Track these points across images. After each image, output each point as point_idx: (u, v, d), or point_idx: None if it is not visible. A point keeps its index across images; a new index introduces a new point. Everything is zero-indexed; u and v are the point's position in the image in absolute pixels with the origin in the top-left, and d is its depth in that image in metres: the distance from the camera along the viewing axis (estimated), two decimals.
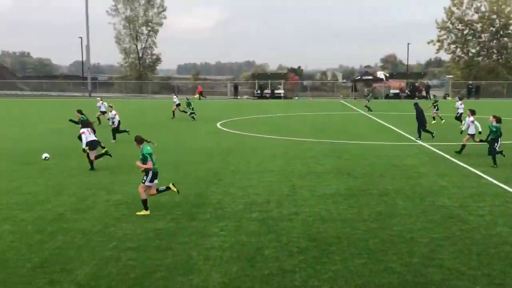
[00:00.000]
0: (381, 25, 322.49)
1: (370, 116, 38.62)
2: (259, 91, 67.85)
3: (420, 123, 24.46)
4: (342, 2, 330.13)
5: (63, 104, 54.35)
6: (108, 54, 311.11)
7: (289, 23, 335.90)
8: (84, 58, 78.09)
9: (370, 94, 51.00)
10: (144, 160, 11.57)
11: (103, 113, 30.81)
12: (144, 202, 11.60)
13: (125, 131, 24.19)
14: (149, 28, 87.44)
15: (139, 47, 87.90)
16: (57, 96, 69.44)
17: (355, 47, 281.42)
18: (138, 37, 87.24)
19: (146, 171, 11.62)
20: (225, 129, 29.59)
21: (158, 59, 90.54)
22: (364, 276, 8.25)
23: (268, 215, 11.62)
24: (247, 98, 68.89)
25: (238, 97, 68.15)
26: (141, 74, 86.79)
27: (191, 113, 34.69)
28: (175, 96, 38.13)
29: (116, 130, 24.40)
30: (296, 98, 67.79)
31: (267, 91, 68.07)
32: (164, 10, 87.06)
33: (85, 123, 17.59)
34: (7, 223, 11.03)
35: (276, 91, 67.76)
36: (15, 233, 10.38)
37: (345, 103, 56.69)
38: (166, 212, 11.82)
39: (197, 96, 66.51)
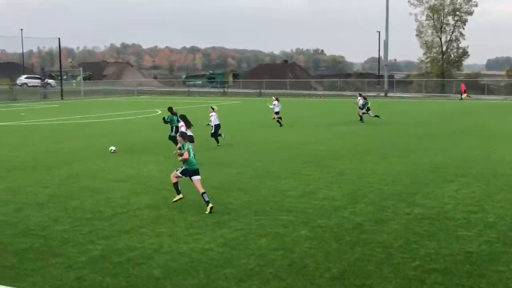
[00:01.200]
0: None
1: None
2: None
3: None
4: None
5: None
6: (405, 49, 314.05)
7: None
8: (381, 54, 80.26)
9: None
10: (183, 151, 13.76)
11: (277, 113, 33.24)
12: (175, 185, 13.92)
13: (217, 140, 24.95)
14: (456, 18, 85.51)
15: (443, 40, 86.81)
16: (350, 96, 72.64)
17: None
18: (442, 29, 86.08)
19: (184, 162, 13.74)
20: None
21: (465, 53, 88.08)
22: None
23: None
24: None
25: None
26: (444, 71, 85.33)
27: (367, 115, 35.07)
28: (360, 98, 36.04)
29: (213, 135, 25.25)
30: None
31: None
32: None
33: (183, 118, 19.71)
34: (304, 228, 11.98)
35: None
36: (313, 239, 11.20)
37: None
38: (477, 233, 11.37)
39: (464, 95, 62.00)
